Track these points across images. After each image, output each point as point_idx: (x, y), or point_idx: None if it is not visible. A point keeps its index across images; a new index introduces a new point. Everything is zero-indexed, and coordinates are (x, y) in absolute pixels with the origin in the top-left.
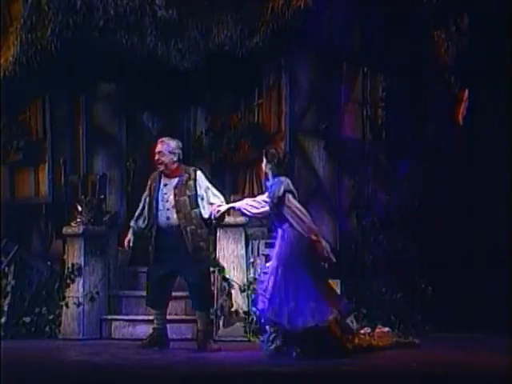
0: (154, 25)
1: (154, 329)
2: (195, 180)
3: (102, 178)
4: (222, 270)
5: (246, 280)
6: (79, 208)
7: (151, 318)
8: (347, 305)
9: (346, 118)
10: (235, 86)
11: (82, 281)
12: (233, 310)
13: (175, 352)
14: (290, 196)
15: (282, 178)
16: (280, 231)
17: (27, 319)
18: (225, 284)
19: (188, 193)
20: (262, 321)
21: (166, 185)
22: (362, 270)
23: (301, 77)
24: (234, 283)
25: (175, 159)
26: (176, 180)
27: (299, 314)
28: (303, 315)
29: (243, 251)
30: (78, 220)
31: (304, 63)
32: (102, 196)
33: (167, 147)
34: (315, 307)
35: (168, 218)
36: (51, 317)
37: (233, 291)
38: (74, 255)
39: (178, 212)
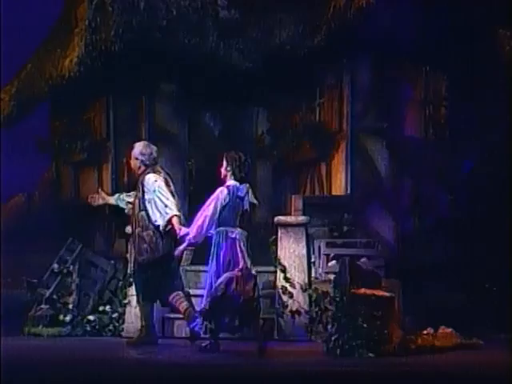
0: (215, 25)
1: (142, 326)
2: (143, 184)
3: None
4: (283, 269)
5: (307, 280)
6: None
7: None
8: None
9: (408, 118)
10: (296, 86)
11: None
12: (294, 309)
13: (232, 351)
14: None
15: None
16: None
17: (91, 317)
18: (286, 284)
19: (138, 195)
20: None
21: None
22: (423, 270)
23: (362, 76)
24: (295, 283)
25: (138, 164)
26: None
27: None
28: None
29: (304, 251)
30: None
31: (365, 62)
32: None
33: (134, 152)
34: None
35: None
36: (115, 315)
37: (294, 291)
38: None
39: (132, 214)
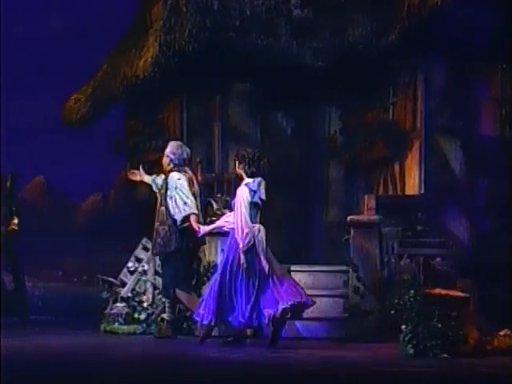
0: (288, 24)
1: (164, 320)
2: (167, 181)
3: (236, 177)
4: (355, 269)
5: (379, 279)
6: (215, 206)
7: None
8: None
9: (483, 116)
10: (369, 85)
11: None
12: (367, 309)
13: (307, 350)
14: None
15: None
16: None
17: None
18: (358, 283)
19: (162, 191)
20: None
21: None
22: (498, 271)
23: (436, 74)
24: (367, 282)
25: (167, 162)
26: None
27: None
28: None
29: (377, 250)
30: (214, 218)
31: (440, 60)
32: None
33: (166, 150)
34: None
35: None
36: (189, 313)
37: (366, 291)
38: (211, 253)
39: (157, 209)
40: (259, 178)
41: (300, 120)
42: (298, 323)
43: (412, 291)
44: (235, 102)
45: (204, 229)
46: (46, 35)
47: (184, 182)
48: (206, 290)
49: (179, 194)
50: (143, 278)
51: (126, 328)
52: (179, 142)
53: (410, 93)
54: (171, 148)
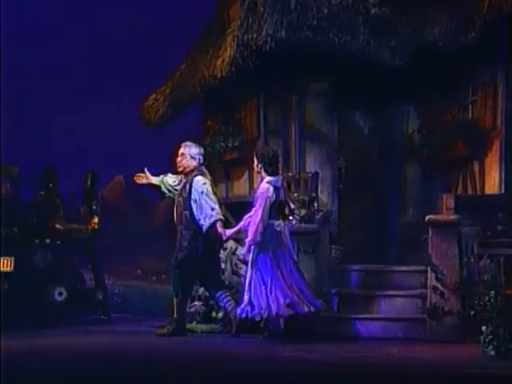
0: (366, 23)
1: (174, 319)
2: (191, 184)
3: (314, 176)
4: (434, 269)
5: (459, 279)
6: (292, 206)
7: (362, 316)
8: None
9: None
10: (448, 83)
11: None
12: (446, 310)
13: (384, 350)
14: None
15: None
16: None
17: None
18: (437, 284)
19: (184, 194)
20: None
21: (178, 184)
22: None
23: None
24: (446, 283)
25: (195, 163)
26: (183, 182)
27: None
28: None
29: (456, 250)
30: (291, 217)
31: None
32: (314, 194)
33: (188, 151)
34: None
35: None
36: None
37: (445, 291)
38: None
39: (175, 211)
40: (280, 176)
41: (377, 119)
42: (374, 323)
43: (492, 292)
44: (312, 101)
45: (228, 233)
46: (125, 35)
47: (209, 187)
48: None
49: (206, 200)
50: (222, 277)
51: (204, 327)
52: (195, 143)
53: (489, 91)
54: (197, 149)
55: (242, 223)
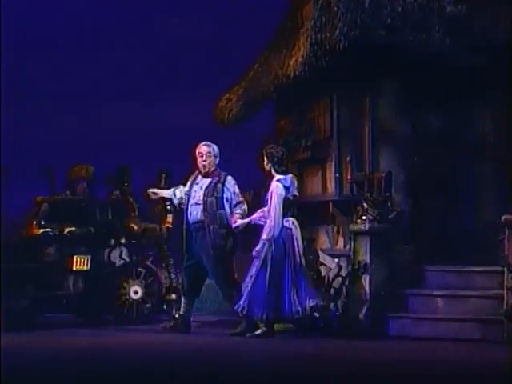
0: (441, 21)
1: (179, 315)
2: (223, 184)
3: (387, 176)
4: (511, 269)
5: None
6: (365, 205)
7: (437, 316)
8: None
9: None
10: None
11: (368, 278)
12: None
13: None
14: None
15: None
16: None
17: (317, 314)
18: None
19: (216, 194)
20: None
21: (197, 184)
22: None
23: None
24: None
25: (216, 162)
26: (208, 181)
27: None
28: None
29: None
30: (364, 217)
31: None
32: (388, 194)
33: (213, 150)
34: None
35: (195, 215)
36: (338, 313)
37: None
38: (360, 252)
39: (204, 210)
40: (290, 175)
41: (451, 118)
42: (448, 324)
43: None
44: (385, 101)
45: (239, 223)
46: (198, 36)
47: (237, 186)
48: (252, 284)
49: (237, 199)
50: None
51: (276, 326)
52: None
53: None
54: (217, 149)
55: (254, 216)
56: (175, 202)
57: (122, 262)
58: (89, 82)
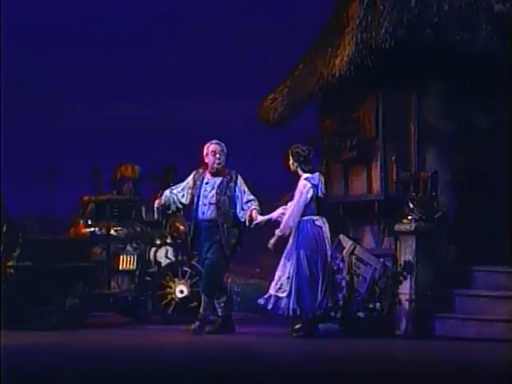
0: (489, 20)
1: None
2: (235, 182)
3: (433, 176)
4: None
5: None
6: (411, 205)
7: (485, 317)
8: None
9: None
10: None
11: (413, 278)
12: None
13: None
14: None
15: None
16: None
17: (361, 314)
18: None
19: (228, 193)
20: None
21: (207, 183)
22: None
23: None
24: None
25: (225, 160)
26: (219, 180)
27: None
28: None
29: None
30: (410, 217)
31: None
32: (434, 193)
33: (224, 149)
34: None
35: (208, 214)
36: (384, 313)
37: None
38: (406, 252)
39: (218, 209)
40: (318, 173)
41: (499, 119)
42: (496, 324)
43: None
44: (432, 100)
45: (259, 219)
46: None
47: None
48: (291, 285)
49: (248, 198)
50: (338, 276)
51: (320, 326)
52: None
53: None
54: (225, 147)
55: (275, 213)
56: (173, 207)
57: (167, 261)
58: (134, 82)
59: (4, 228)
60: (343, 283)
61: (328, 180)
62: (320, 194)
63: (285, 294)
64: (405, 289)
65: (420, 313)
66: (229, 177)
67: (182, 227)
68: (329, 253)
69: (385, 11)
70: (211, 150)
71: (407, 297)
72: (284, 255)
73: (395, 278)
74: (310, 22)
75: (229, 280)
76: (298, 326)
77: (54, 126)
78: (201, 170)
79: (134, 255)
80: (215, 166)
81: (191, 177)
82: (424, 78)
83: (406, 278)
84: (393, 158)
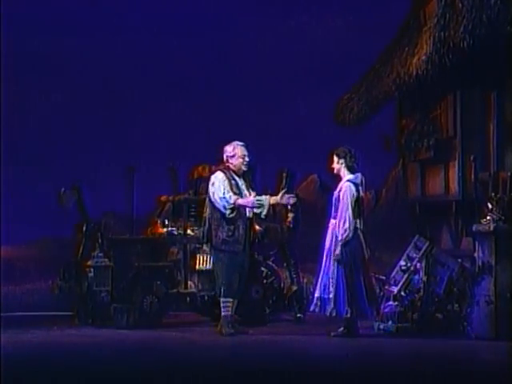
0: None
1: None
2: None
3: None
4: None
5: None
6: (490, 206)
7: None
8: None
9: None
10: None
11: (493, 279)
12: None
13: None
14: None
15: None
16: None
17: (439, 316)
18: None
19: (251, 192)
20: None
21: (241, 184)
22: None
23: None
24: None
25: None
26: (242, 180)
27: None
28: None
29: None
30: (489, 218)
31: None
32: None
33: (245, 152)
34: None
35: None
36: (462, 314)
37: None
38: (485, 253)
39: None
40: (360, 174)
41: None
42: None
43: None
44: (511, 99)
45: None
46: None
47: None
48: (335, 286)
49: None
50: (415, 277)
51: (399, 326)
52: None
53: None
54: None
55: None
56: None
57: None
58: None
59: (84, 227)
60: (420, 284)
61: (404, 180)
62: (362, 193)
63: (331, 296)
64: (484, 290)
65: (499, 314)
66: (246, 177)
67: (257, 227)
68: (366, 255)
69: (464, 9)
70: (242, 153)
71: (486, 298)
72: (324, 257)
73: (474, 279)
74: (387, 22)
75: (304, 280)
76: (341, 329)
77: (131, 126)
78: (227, 172)
79: (210, 255)
80: (243, 167)
81: (224, 178)
82: (503, 77)
83: (484, 279)
84: (471, 158)
